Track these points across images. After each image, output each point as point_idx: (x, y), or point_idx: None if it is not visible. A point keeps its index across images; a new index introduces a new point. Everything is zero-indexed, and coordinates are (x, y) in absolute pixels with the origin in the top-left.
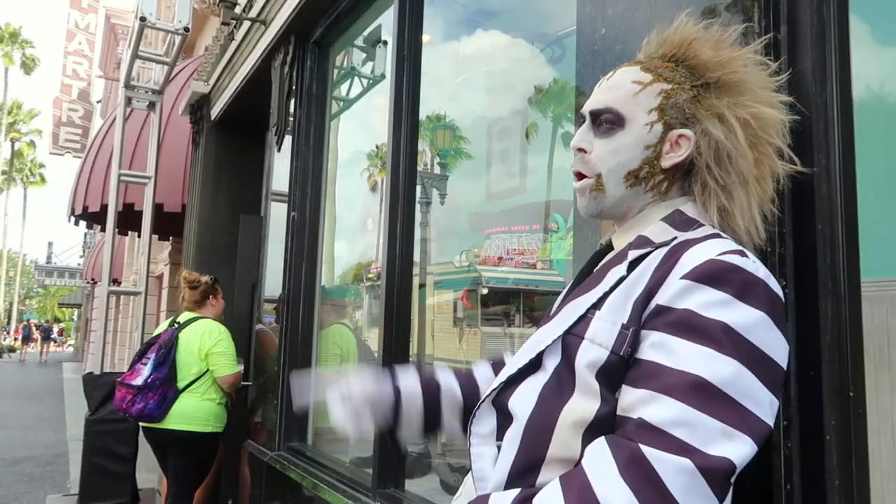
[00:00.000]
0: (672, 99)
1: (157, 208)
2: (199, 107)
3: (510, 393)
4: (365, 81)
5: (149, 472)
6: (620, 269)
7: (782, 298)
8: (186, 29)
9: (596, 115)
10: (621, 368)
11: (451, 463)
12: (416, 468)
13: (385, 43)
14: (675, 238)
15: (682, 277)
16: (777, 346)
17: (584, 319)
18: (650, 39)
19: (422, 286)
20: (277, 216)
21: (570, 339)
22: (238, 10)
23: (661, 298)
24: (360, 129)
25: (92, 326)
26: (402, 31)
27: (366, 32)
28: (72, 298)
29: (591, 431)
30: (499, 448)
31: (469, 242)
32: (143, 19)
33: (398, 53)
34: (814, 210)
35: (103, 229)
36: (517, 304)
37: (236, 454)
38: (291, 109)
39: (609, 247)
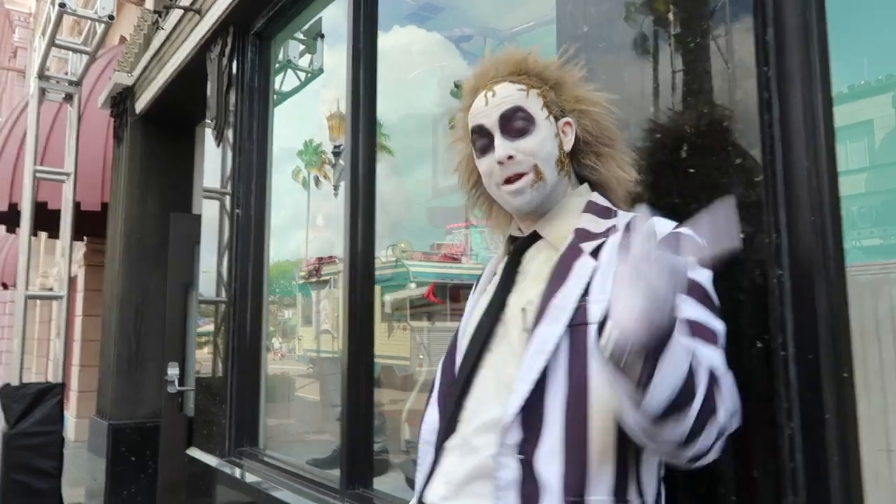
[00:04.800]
0: (546, 98)
1: (76, 207)
2: (121, 99)
3: (535, 405)
4: (302, 74)
5: (73, 488)
6: (588, 261)
7: None
8: (111, 17)
9: (507, 119)
10: None
11: (415, 460)
12: (378, 467)
13: (322, 36)
14: (613, 225)
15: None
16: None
17: (579, 310)
18: (486, 70)
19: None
20: (209, 214)
21: (577, 331)
22: None
23: None
24: (289, 122)
25: None
26: (357, 25)
27: (307, 25)
28: None
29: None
30: (520, 461)
31: (396, 238)
32: (62, 5)
33: (353, 47)
34: (808, 202)
35: (9, 230)
36: (444, 298)
37: (175, 463)
38: (231, 103)
39: (530, 238)
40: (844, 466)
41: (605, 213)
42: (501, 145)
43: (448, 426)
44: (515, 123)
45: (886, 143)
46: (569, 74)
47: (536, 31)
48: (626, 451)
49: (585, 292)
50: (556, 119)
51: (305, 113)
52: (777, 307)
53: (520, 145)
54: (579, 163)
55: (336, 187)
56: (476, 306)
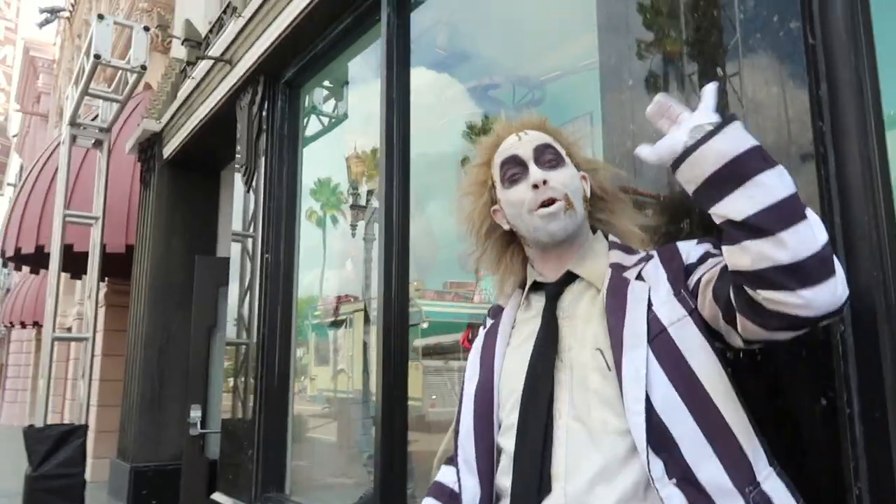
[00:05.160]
0: (568, 150)
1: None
2: (149, 145)
3: (657, 430)
4: (325, 120)
5: None
6: (637, 284)
7: None
8: (143, 67)
9: (540, 151)
10: (699, 317)
11: None
12: None
13: (348, 83)
14: (640, 255)
15: (694, 248)
16: None
17: (651, 325)
18: (507, 127)
19: (367, 321)
20: (232, 256)
21: (658, 341)
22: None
23: (688, 260)
24: (307, 164)
25: (8, 373)
26: (390, 73)
27: (337, 73)
28: None
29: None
30: (675, 485)
31: (413, 277)
32: (97, 56)
33: (387, 95)
34: (868, 257)
35: (33, 271)
36: (457, 337)
37: None
38: (261, 149)
39: (562, 283)
40: None
41: (629, 251)
42: (537, 171)
43: (531, 485)
44: (547, 157)
45: None
46: (577, 144)
47: (566, 79)
48: (754, 421)
49: (648, 310)
50: (577, 168)
51: (322, 154)
52: (841, 364)
53: (552, 175)
54: (592, 216)
55: (354, 226)
56: (505, 357)
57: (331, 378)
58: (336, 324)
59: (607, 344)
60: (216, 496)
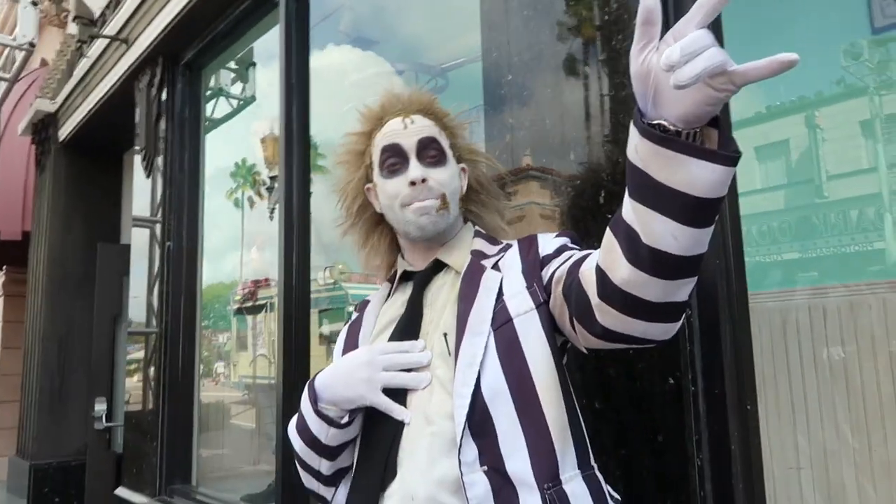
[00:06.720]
0: (450, 140)
1: None
2: (43, 126)
3: (480, 416)
4: (234, 102)
5: None
6: (492, 273)
7: None
8: (32, 44)
9: (424, 146)
10: (547, 311)
11: None
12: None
13: (254, 65)
14: (502, 245)
15: (551, 241)
16: None
17: (498, 313)
18: (392, 103)
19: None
20: (138, 243)
21: (502, 331)
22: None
23: (543, 252)
24: (221, 147)
25: None
26: (288, 57)
27: (239, 55)
28: None
29: (563, 370)
30: (485, 472)
31: (333, 259)
32: None
33: (286, 80)
34: (711, 245)
35: None
36: None
37: (104, 502)
38: (161, 132)
39: (430, 271)
40: (749, 494)
41: (493, 241)
42: (417, 167)
43: (375, 473)
44: (430, 153)
45: (801, 162)
46: (462, 128)
47: (466, 67)
48: (578, 423)
49: (498, 299)
50: (457, 161)
51: (239, 136)
52: (687, 345)
53: (433, 174)
54: (464, 207)
55: (272, 210)
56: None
57: (249, 364)
58: (255, 308)
59: (454, 329)
60: (120, 491)
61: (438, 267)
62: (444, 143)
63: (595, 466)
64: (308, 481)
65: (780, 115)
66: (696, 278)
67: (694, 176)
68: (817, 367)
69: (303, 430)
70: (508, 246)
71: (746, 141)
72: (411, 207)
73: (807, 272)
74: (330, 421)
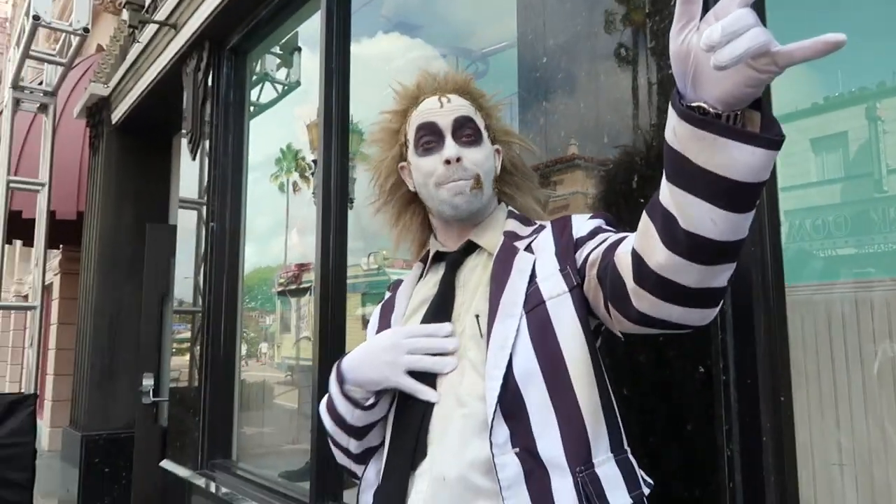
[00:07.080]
0: (486, 121)
1: (50, 216)
2: (97, 110)
3: (512, 398)
4: (279, 87)
5: (45, 499)
6: (525, 255)
7: None
8: (86, 29)
9: (460, 124)
10: (580, 294)
11: None
12: (347, 479)
13: (300, 50)
14: (535, 226)
15: (585, 222)
16: None
17: (531, 296)
18: (429, 82)
19: None
20: (185, 224)
21: (534, 313)
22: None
23: (577, 234)
24: (267, 132)
25: None
26: (329, 43)
27: (283, 39)
28: None
29: (596, 353)
30: (516, 454)
31: (377, 245)
32: (36, 18)
33: (327, 65)
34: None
35: None
36: None
37: (149, 474)
38: (207, 116)
39: (463, 252)
40: (780, 487)
41: (527, 221)
42: (453, 146)
43: (406, 451)
44: (466, 132)
45: (860, 155)
46: (498, 109)
47: (506, 52)
48: (612, 406)
49: (530, 282)
50: (492, 143)
51: (286, 121)
52: (719, 333)
53: (468, 153)
54: (498, 189)
55: (315, 194)
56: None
57: (292, 345)
58: (298, 291)
59: (486, 311)
60: (164, 463)
61: (471, 248)
62: (480, 124)
63: (628, 450)
64: (340, 458)
65: (838, 107)
66: (734, 264)
67: (734, 159)
68: (863, 362)
69: (331, 409)
70: (542, 227)
71: (802, 132)
72: (446, 187)
73: (863, 268)
74: (355, 402)
